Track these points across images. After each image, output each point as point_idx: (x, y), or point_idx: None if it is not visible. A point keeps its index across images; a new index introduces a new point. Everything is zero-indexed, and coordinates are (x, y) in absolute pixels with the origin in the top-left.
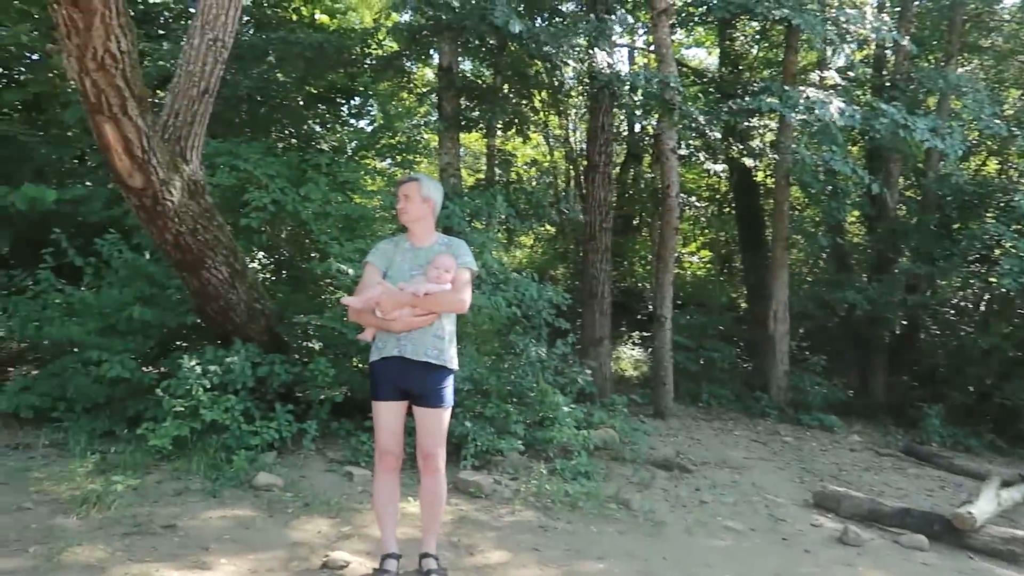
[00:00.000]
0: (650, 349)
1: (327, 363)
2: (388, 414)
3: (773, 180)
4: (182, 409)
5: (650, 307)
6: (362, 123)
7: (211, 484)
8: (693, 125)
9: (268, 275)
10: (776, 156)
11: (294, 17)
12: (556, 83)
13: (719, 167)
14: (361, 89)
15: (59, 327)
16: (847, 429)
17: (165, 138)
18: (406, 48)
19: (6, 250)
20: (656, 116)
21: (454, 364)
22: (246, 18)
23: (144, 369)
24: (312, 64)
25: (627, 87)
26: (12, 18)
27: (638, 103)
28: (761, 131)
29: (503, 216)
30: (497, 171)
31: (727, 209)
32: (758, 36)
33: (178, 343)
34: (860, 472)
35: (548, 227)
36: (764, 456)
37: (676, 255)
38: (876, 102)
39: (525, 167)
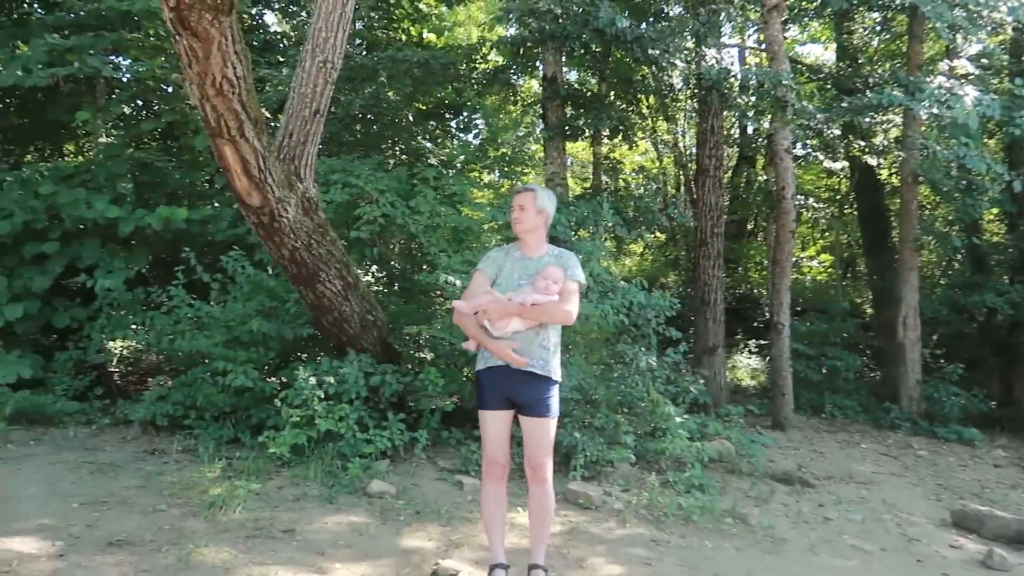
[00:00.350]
0: (768, 358)
1: (437, 373)
2: (494, 423)
3: (899, 178)
4: (299, 419)
5: (767, 314)
6: (470, 136)
7: (327, 490)
8: (809, 123)
9: (380, 287)
10: (902, 153)
11: (403, 37)
12: (663, 87)
13: (838, 166)
14: (468, 104)
15: (189, 340)
16: (989, 443)
17: (280, 158)
18: (511, 61)
19: (145, 268)
20: (769, 116)
21: (558, 375)
22: (358, 40)
23: (267, 379)
24: (420, 81)
25: (737, 86)
26: (148, 53)
27: (749, 103)
28: (885, 127)
29: (610, 224)
30: (604, 179)
31: (848, 210)
32: (878, 27)
33: (298, 354)
34: (1006, 490)
35: (658, 235)
36: (895, 471)
37: (794, 259)
38: (1020, 88)
39: (633, 174)
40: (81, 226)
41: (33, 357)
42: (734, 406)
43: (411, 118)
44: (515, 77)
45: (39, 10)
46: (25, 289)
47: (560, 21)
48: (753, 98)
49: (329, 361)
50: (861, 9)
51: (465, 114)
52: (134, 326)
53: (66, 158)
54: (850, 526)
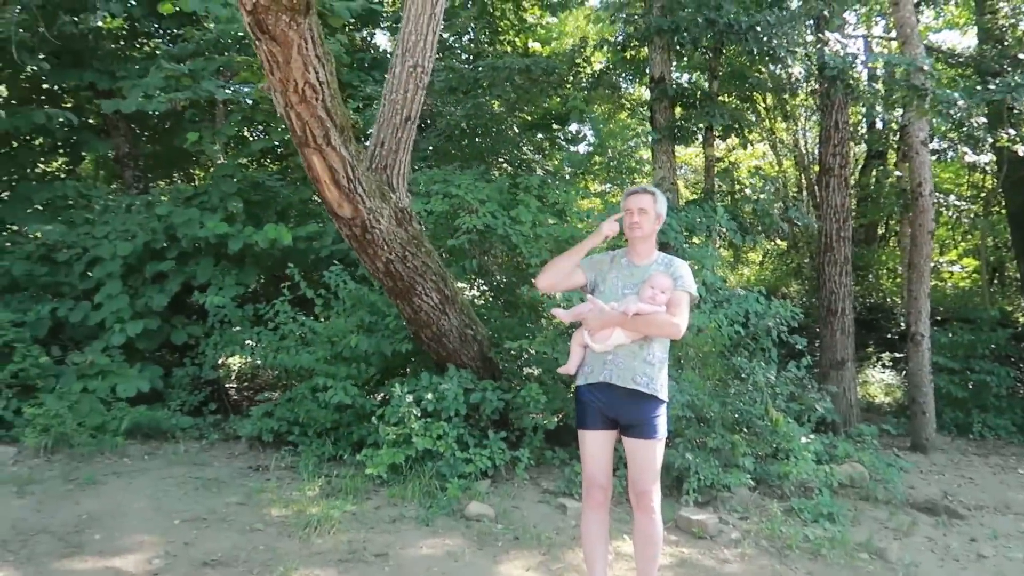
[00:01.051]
0: (904, 372)
1: (539, 389)
2: (595, 444)
3: None
4: (396, 436)
5: (902, 324)
6: (579, 148)
7: (425, 512)
8: (951, 112)
9: (482, 301)
10: None
11: (508, 49)
12: (781, 83)
13: (984, 159)
14: (575, 110)
15: (292, 355)
16: None
17: (372, 167)
18: (616, 64)
19: (256, 285)
20: (902, 106)
21: (664, 394)
22: (464, 55)
23: (369, 395)
24: (522, 89)
25: (865, 75)
26: (256, 75)
27: (879, 94)
28: None
29: (724, 229)
30: (717, 182)
31: (995, 209)
32: None
33: (400, 369)
34: None
35: (779, 241)
36: None
37: (932, 264)
38: None
39: (749, 178)
40: (196, 245)
41: (152, 368)
42: (867, 425)
43: (515, 129)
44: (621, 80)
45: (167, 42)
46: (146, 307)
47: (668, 16)
48: (882, 88)
49: (429, 376)
50: None
51: (573, 124)
52: (246, 342)
53: (195, 183)
54: (1010, 566)
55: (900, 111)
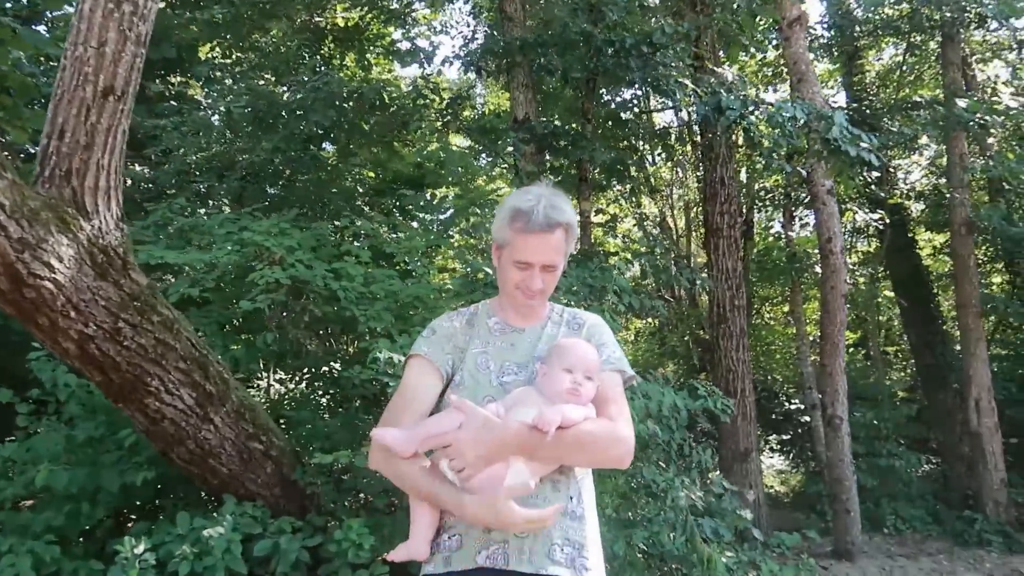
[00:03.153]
0: (793, 456)
1: (362, 527)
2: None
3: (946, 231)
4: None
5: (786, 404)
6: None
7: None
8: (854, 166)
9: (290, 394)
10: (956, 193)
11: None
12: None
13: (875, 217)
14: (430, 170)
15: None
16: None
17: (41, 177)
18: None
19: None
20: (802, 158)
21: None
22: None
23: (91, 556)
24: (352, 123)
25: (763, 124)
26: None
27: (778, 144)
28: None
29: (616, 293)
30: (596, 238)
31: (881, 272)
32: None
33: (149, 506)
34: None
35: (650, 319)
36: None
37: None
38: None
39: (630, 238)
40: None
41: None
42: (787, 533)
43: (350, 178)
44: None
45: None
46: None
47: (528, 41)
48: (781, 135)
49: (189, 519)
50: (885, 37)
51: (430, 189)
52: None
53: None
54: None
55: (802, 163)
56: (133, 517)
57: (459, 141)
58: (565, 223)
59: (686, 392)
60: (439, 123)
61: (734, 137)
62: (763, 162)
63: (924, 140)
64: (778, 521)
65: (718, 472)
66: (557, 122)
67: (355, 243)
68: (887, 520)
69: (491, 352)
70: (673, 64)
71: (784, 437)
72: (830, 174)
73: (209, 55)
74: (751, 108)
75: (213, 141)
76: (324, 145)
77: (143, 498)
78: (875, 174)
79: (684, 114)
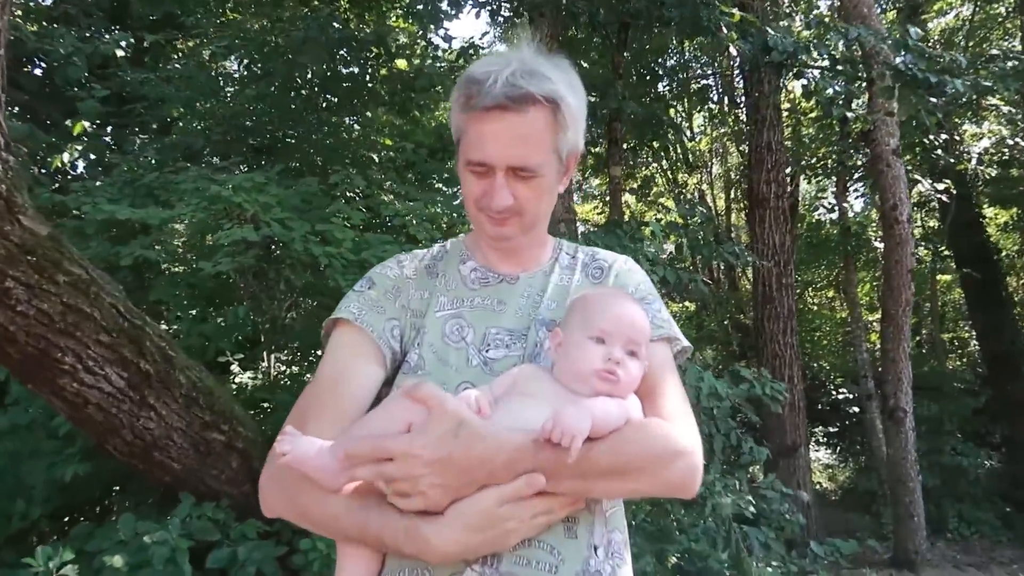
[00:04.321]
0: (842, 451)
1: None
2: None
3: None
4: None
5: (834, 393)
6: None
7: None
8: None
9: (283, 374)
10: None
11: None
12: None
13: (939, 187)
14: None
15: None
16: None
17: None
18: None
19: None
20: (882, 99)
21: None
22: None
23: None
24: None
25: (825, 58)
26: None
27: (830, 82)
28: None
29: (664, 256)
30: (628, 208)
31: (942, 251)
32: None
33: (87, 506)
34: None
35: (687, 303)
36: None
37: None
38: None
39: (660, 209)
40: None
41: None
42: (842, 540)
43: (355, 133)
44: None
45: None
46: None
47: None
48: (830, 70)
49: (132, 521)
50: None
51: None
52: None
53: None
54: None
55: (860, 111)
56: (82, 519)
57: None
58: (547, 96)
59: (728, 378)
60: (453, 77)
61: (783, 93)
62: (814, 119)
63: (994, 101)
64: (829, 522)
65: (763, 471)
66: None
67: (350, 203)
68: (950, 524)
69: (467, 314)
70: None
71: (831, 429)
72: (903, 113)
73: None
74: (803, 48)
75: (206, 100)
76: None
77: (91, 496)
78: (943, 136)
79: (729, 66)
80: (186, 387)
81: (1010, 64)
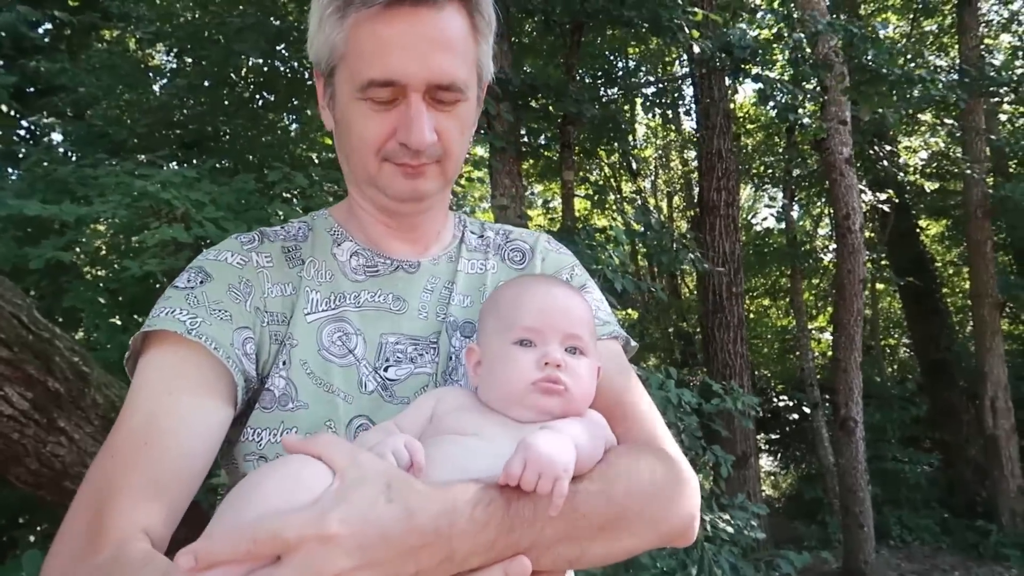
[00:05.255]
0: (792, 461)
1: None
2: None
3: (954, 213)
4: None
5: (774, 400)
6: None
7: None
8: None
9: None
10: (973, 171)
11: None
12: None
13: (882, 197)
14: None
15: None
16: None
17: None
18: None
19: None
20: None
21: None
22: None
23: None
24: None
25: (785, 53)
26: None
27: (784, 86)
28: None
29: (617, 265)
30: (581, 215)
31: (881, 261)
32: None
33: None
34: None
35: (630, 311)
36: None
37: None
38: None
39: (617, 212)
40: None
41: None
42: (794, 552)
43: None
44: None
45: None
46: None
47: None
48: (796, 78)
49: (38, 557)
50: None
51: None
52: None
53: None
54: None
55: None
56: None
57: None
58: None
59: (695, 390)
60: None
61: (735, 92)
62: (760, 126)
63: (928, 117)
64: (775, 532)
65: (714, 482)
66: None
67: (289, 203)
68: (893, 531)
69: (352, 316)
70: None
71: (773, 436)
72: (867, 110)
73: None
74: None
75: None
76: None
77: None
78: (887, 147)
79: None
80: (103, 407)
81: (954, 77)
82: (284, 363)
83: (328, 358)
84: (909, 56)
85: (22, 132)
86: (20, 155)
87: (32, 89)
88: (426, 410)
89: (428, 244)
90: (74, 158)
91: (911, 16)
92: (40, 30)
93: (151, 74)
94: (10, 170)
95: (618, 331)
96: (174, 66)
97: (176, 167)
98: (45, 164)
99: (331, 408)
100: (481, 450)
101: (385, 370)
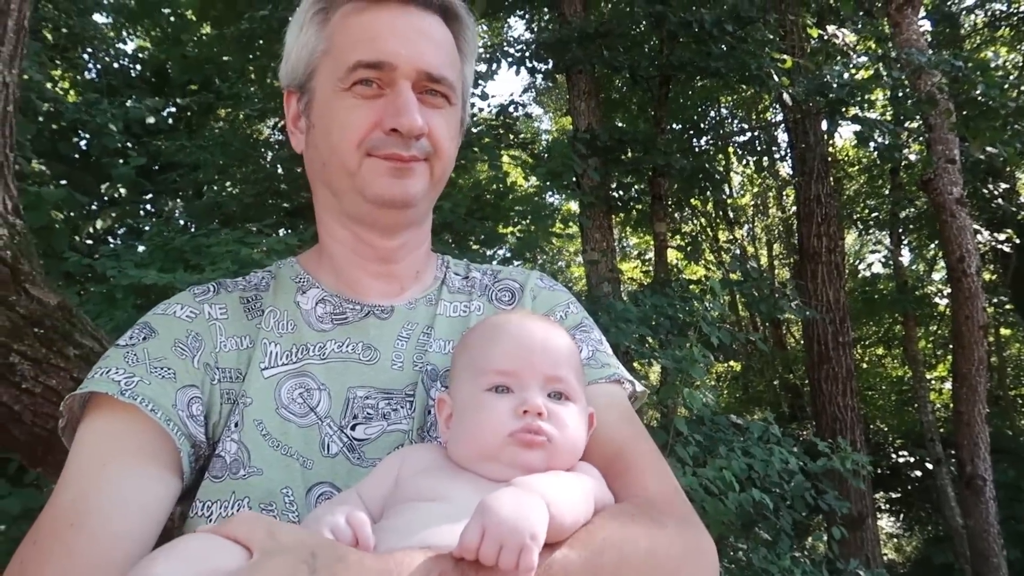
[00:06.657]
0: (917, 522)
1: None
2: None
3: None
4: None
5: (893, 456)
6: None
7: None
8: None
9: None
10: None
11: None
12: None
13: (1001, 237)
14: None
15: None
16: None
17: None
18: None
19: None
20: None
21: None
22: None
23: None
24: None
25: (887, 91)
26: None
27: (884, 125)
28: None
29: (712, 319)
30: (673, 265)
31: (1005, 304)
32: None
33: None
34: None
35: (732, 363)
36: None
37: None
38: None
39: (715, 263)
40: None
41: None
42: None
43: None
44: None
45: None
46: None
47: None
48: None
49: None
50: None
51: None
52: None
53: None
54: None
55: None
56: None
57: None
58: (448, 6)
59: (795, 446)
60: (486, 139)
61: (832, 136)
62: (861, 169)
63: None
64: None
65: (828, 545)
66: (622, 128)
67: None
68: None
69: (315, 370)
70: (763, 40)
71: (893, 495)
72: (978, 146)
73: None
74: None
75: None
76: None
77: None
78: (1003, 185)
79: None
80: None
81: None
82: (236, 424)
83: (287, 417)
84: (1023, 88)
85: (145, 207)
86: (145, 228)
87: (157, 167)
88: (391, 473)
89: (405, 284)
90: (192, 228)
91: (1021, 46)
92: (164, 112)
93: (258, 148)
94: (135, 243)
95: (622, 375)
96: (280, 137)
97: (281, 233)
98: (164, 234)
99: (288, 474)
100: (447, 517)
101: (352, 428)
